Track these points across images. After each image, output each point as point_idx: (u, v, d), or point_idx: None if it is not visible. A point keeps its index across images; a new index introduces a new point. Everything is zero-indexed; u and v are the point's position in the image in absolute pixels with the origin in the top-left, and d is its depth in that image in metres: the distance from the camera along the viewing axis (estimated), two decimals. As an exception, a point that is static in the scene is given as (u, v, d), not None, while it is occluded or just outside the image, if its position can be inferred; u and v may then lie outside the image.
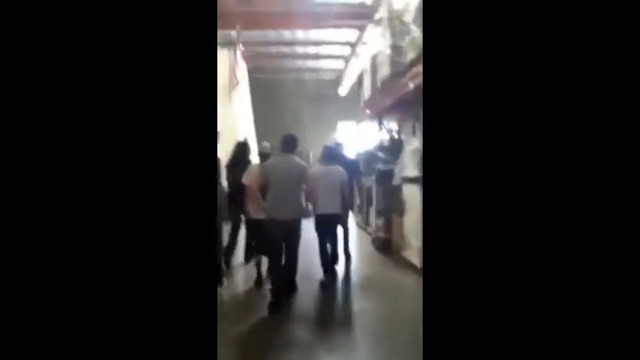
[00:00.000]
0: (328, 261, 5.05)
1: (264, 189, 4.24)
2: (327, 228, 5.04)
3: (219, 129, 4.62)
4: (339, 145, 6.59)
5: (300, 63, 13.95)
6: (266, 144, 5.19)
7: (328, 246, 5.10)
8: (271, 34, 10.85)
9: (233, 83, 9.60)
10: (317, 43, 11.97)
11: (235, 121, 9.63)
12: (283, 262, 4.33)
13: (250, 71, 12.31)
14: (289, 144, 4.30)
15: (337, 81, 14.52)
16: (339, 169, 5.15)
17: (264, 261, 4.66)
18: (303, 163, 4.33)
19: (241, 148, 5.50)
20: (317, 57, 13.30)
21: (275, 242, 4.22)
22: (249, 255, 5.45)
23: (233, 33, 9.39)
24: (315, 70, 14.67)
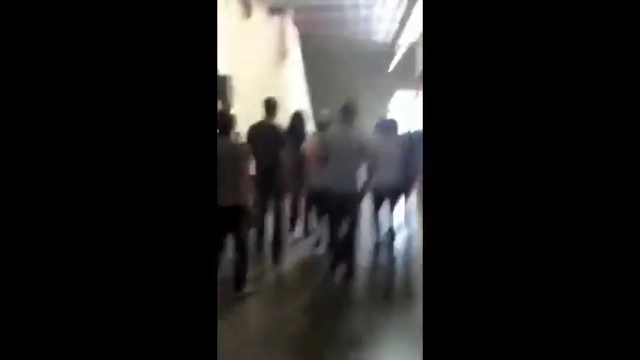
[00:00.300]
0: (380, 237, 4.99)
1: (324, 159, 4.13)
2: (383, 201, 4.95)
3: (273, 97, 4.72)
4: (392, 122, 6.12)
5: (352, 28, 13.39)
6: (325, 112, 5.05)
7: (382, 220, 5.00)
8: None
9: (284, 51, 9.28)
10: (369, 6, 11.40)
11: (288, 90, 9.34)
12: (342, 234, 4.22)
13: (302, 39, 11.96)
14: (349, 113, 4.10)
15: (391, 51, 13.83)
16: (396, 141, 5.01)
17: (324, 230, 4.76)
18: (363, 133, 4.20)
19: (298, 119, 5.36)
20: (370, 20, 12.68)
21: (333, 214, 4.15)
22: (307, 229, 5.54)
23: (282, -2, 9.01)
24: (367, 34, 14.04)
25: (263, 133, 4.14)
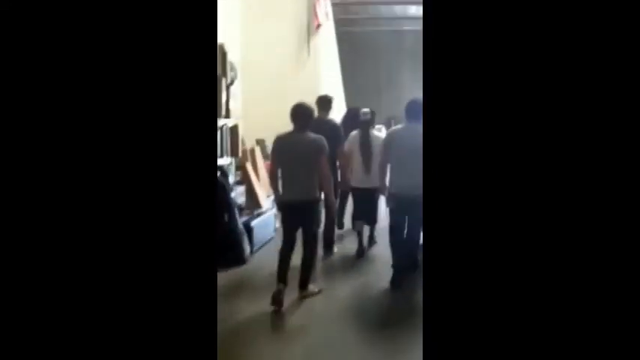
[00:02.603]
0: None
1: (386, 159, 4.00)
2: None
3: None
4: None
5: (398, 10, 11.65)
6: (366, 110, 4.79)
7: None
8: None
9: (314, 26, 7.65)
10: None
11: (317, 72, 7.71)
12: (405, 236, 3.96)
13: (338, 23, 10.45)
14: (416, 111, 3.68)
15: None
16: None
17: (365, 229, 4.83)
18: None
19: (352, 115, 5.28)
20: (419, 1, 10.98)
21: (399, 216, 3.89)
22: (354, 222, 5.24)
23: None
24: (417, 19, 12.29)
25: (319, 129, 3.74)
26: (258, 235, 4.70)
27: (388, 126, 6.43)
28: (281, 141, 3.43)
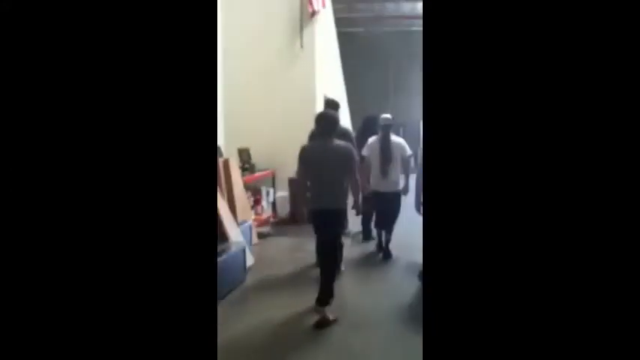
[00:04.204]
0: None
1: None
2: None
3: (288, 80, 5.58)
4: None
5: (406, 7, 10.48)
6: (387, 116, 4.76)
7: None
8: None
9: (307, 14, 6.41)
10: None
11: (311, 69, 6.45)
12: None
13: (340, 23, 9.31)
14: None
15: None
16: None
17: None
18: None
19: (370, 123, 5.21)
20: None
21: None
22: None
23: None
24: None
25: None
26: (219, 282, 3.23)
27: (397, 132, 5.55)
28: (309, 150, 3.37)
